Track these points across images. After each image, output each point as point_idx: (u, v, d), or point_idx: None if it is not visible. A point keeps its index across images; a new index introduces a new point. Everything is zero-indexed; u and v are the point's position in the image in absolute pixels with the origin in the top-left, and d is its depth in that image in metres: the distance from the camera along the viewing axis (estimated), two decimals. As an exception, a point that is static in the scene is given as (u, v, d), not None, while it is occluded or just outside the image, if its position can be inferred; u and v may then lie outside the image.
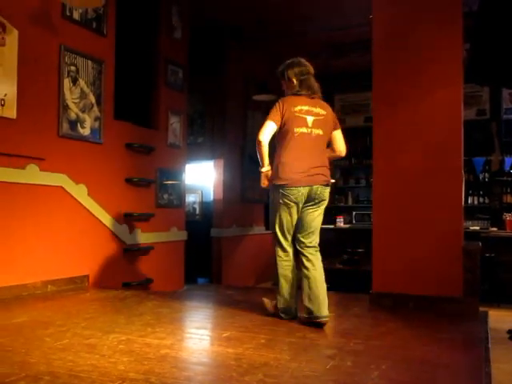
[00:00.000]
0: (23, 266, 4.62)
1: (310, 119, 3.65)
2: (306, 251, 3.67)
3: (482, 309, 4.24)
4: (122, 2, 5.85)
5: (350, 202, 10.96)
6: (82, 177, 5.23)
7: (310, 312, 3.53)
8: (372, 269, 4.57)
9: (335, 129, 3.84)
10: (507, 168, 9.39)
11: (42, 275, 4.77)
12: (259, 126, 3.70)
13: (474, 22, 4.32)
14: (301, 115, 3.63)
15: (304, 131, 3.62)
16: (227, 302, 4.61)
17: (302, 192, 3.60)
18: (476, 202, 9.67)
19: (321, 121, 3.70)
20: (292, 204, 3.62)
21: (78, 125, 5.20)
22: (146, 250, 6.12)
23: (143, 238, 6.13)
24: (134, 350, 2.87)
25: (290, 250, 3.74)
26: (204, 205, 8.97)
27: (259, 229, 9.61)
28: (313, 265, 3.63)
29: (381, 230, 4.57)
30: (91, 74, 5.38)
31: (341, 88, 10.55)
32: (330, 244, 8.48)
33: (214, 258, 8.40)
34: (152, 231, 6.29)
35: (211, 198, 8.67)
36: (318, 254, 3.72)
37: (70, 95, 5.11)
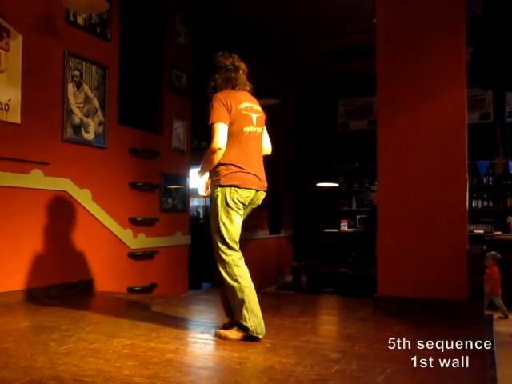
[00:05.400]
0: (27, 271, 4.62)
1: (254, 117, 3.37)
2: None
3: (486, 312, 4.22)
4: (126, 9, 5.87)
5: (354, 206, 10.92)
6: (86, 181, 5.24)
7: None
8: (376, 272, 4.56)
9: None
10: (511, 171, 9.38)
11: (46, 280, 4.78)
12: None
13: (477, 26, 4.33)
14: (247, 113, 3.33)
15: (251, 130, 3.34)
16: (231, 306, 4.60)
17: (252, 195, 3.31)
18: (480, 206, 9.65)
19: (260, 118, 3.45)
20: (241, 207, 3.28)
21: (82, 129, 5.21)
22: (150, 254, 6.12)
23: (147, 242, 6.13)
24: (139, 354, 2.87)
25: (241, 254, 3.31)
26: (208, 209, 8.96)
27: (264, 233, 9.61)
28: None
29: (385, 233, 4.56)
30: (95, 78, 5.39)
31: (345, 92, 10.56)
32: (334, 248, 8.52)
33: (218, 263, 8.36)
34: (156, 236, 6.29)
35: (215, 202, 8.65)
36: None
37: (74, 100, 5.12)
